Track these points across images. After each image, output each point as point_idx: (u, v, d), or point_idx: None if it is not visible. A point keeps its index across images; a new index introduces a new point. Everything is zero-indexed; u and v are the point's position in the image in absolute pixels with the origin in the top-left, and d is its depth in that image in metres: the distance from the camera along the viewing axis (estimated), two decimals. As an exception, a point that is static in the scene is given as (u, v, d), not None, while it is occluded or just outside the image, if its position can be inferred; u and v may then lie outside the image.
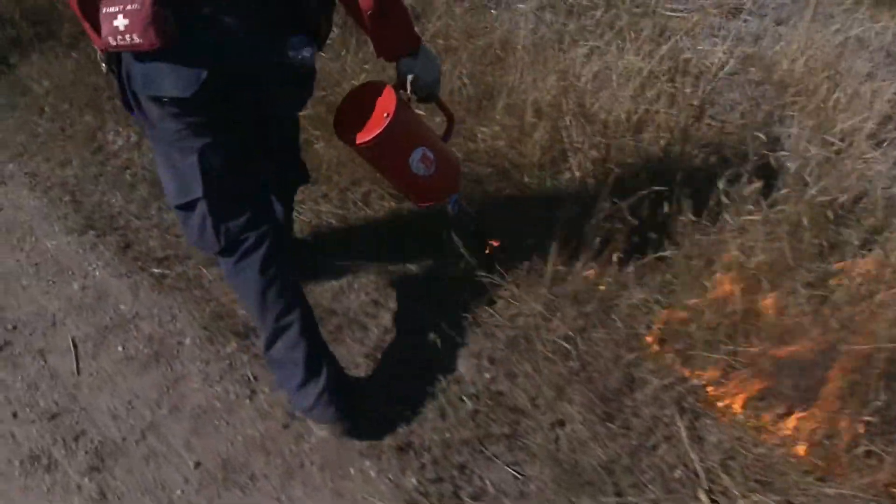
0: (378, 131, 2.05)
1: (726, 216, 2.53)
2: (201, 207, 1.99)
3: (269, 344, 2.16)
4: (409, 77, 2.10)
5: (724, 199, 2.53)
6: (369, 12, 1.87)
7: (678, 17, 4.88)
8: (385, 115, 2.06)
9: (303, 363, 2.13)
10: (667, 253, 2.58)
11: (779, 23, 4.94)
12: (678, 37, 4.52)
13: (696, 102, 3.47)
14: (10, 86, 4.25)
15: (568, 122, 3.19)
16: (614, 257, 2.55)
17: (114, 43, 1.68)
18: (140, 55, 1.74)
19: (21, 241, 3.08)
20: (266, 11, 1.80)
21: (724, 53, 4.22)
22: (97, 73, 4.01)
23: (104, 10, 1.67)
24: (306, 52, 1.88)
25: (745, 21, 4.92)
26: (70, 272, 2.89)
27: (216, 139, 1.93)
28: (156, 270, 2.83)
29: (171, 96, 1.79)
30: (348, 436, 2.22)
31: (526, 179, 3.09)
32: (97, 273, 2.86)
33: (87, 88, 3.99)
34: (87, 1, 1.72)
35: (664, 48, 3.90)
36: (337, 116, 2.17)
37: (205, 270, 2.80)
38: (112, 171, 3.45)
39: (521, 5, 4.92)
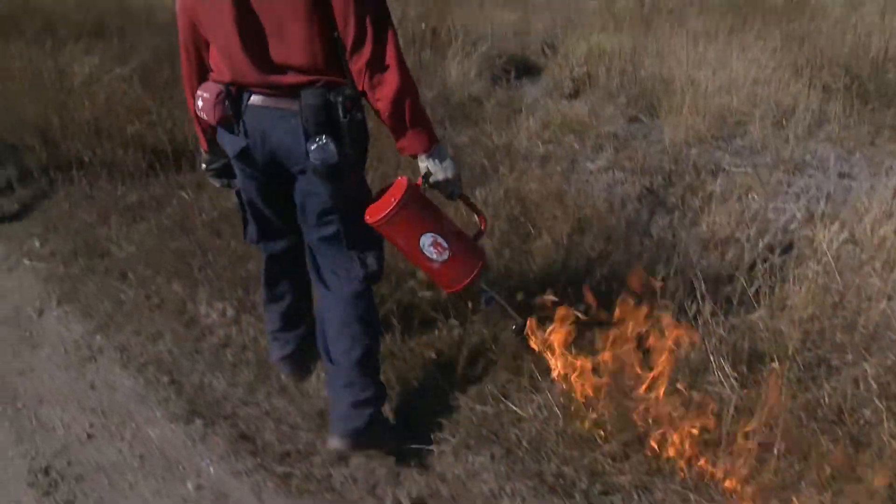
0: (383, 213, 2.35)
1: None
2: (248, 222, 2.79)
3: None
4: (423, 172, 2.41)
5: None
6: (387, 122, 2.32)
7: (743, 173, 4.93)
8: (393, 200, 2.34)
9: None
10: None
11: (843, 176, 4.98)
12: (750, 195, 4.58)
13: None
14: (89, 247, 4.21)
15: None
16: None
17: (197, 114, 2.49)
18: (214, 126, 2.51)
19: (121, 428, 2.91)
20: (300, 113, 2.30)
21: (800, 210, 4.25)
22: (182, 238, 4.01)
23: (196, 95, 2.47)
24: (326, 153, 2.28)
25: (811, 176, 4.97)
26: (180, 467, 2.70)
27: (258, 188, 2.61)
28: (278, 469, 2.64)
29: (229, 154, 2.56)
30: None
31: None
32: (211, 470, 2.67)
33: (173, 255, 3.95)
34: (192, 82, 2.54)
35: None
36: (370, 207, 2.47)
37: (333, 470, 2.63)
38: (209, 349, 3.33)
39: (588, 164, 4.99)
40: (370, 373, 2.64)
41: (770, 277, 3.31)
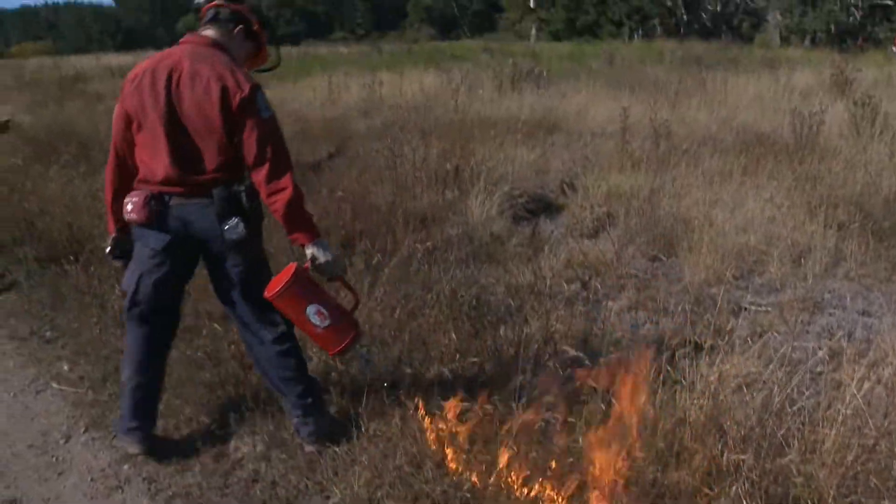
0: (276, 290, 3.03)
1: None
2: (132, 297, 3.23)
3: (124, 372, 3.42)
4: (308, 258, 3.10)
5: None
6: (280, 221, 3.06)
7: (764, 311, 5.01)
8: (284, 279, 3.02)
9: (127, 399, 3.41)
10: None
11: (863, 314, 5.04)
12: (771, 334, 4.64)
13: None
14: (118, 374, 4.19)
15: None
16: None
17: (126, 217, 3.09)
18: (139, 224, 3.08)
19: (149, 568, 2.92)
20: (215, 203, 3.01)
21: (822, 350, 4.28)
22: (213, 370, 4.06)
23: (125, 200, 3.07)
24: (236, 231, 3.03)
25: (832, 314, 5.03)
26: None
27: (169, 277, 3.19)
28: None
29: (151, 247, 3.11)
30: None
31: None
32: None
33: (200, 386, 3.97)
34: (117, 198, 3.17)
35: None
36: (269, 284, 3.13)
37: None
38: (239, 483, 3.32)
39: (611, 303, 5.07)
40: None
41: (799, 420, 3.32)
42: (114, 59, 38.08)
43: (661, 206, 6.60)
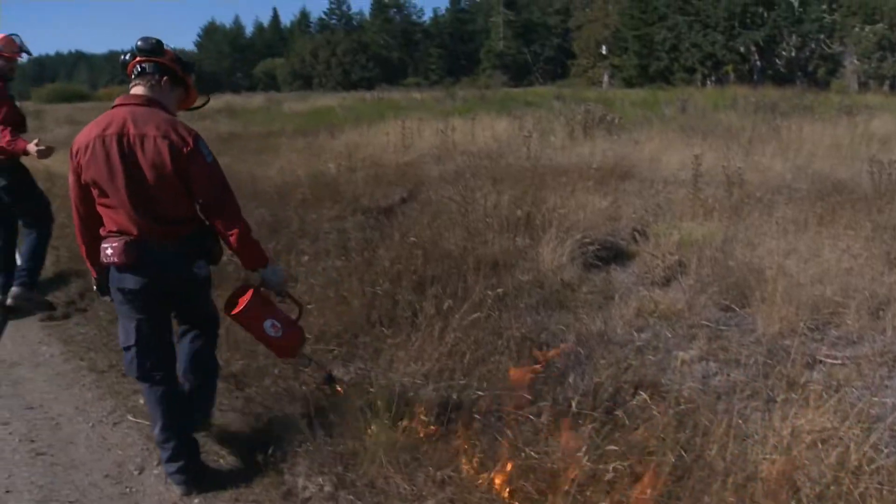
0: (238, 310, 3.64)
1: None
2: (132, 351, 3.58)
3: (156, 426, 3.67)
4: (261, 279, 3.67)
5: None
6: (235, 253, 3.60)
7: (839, 364, 4.91)
8: (244, 301, 3.63)
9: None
10: None
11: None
12: (847, 388, 4.54)
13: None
14: None
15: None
16: None
17: (105, 261, 3.40)
18: (117, 267, 3.40)
19: None
20: (184, 248, 3.46)
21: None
22: (286, 407, 4.15)
23: (103, 245, 3.40)
24: (204, 270, 3.56)
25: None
26: None
27: (148, 315, 3.54)
28: None
29: (128, 288, 3.43)
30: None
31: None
32: None
33: (275, 423, 4.08)
34: (91, 248, 3.55)
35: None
36: (227, 301, 3.75)
37: None
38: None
39: (681, 353, 5.04)
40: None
41: (878, 479, 3.25)
42: (195, 102, 39.45)
43: (733, 255, 6.54)
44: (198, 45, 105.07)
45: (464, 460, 3.58)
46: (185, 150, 3.28)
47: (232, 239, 3.44)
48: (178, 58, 3.58)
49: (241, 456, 3.90)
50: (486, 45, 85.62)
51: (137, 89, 3.47)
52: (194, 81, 3.68)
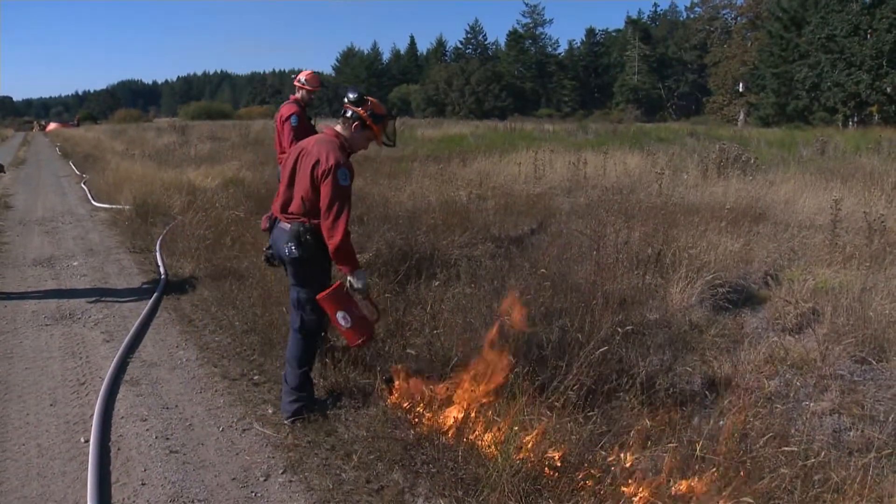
0: (321, 296, 4.45)
1: None
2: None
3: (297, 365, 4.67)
4: (348, 282, 4.54)
5: None
6: (331, 257, 4.50)
7: None
8: (328, 290, 4.46)
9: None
10: None
11: None
12: None
13: None
14: (317, 423, 4.55)
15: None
16: None
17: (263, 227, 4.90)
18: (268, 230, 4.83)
19: None
20: (287, 233, 4.51)
21: None
22: (408, 429, 4.28)
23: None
24: (292, 251, 4.46)
25: None
26: None
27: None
28: None
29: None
30: None
31: None
32: None
33: (397, 444, 4.16)
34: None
35: None
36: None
37: None
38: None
39: (811, 404, 4.93)
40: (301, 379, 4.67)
41: None
42: (330, 123, 40.67)
43: (872, 306, 6.32)
44: (335, 68, 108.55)
45: (584, 495, 3.62)
46: (321, 168, 4.40)
47: (330, 245, 4.40)
48: (372, 111, 4.61)
49: (363, 471, 4.02)
50: (619, 78, 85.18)
51: (337, 125, 4.72)
52: (383, 127, 4.71)
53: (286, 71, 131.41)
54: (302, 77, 7.57)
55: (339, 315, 4.47)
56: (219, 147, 27.00)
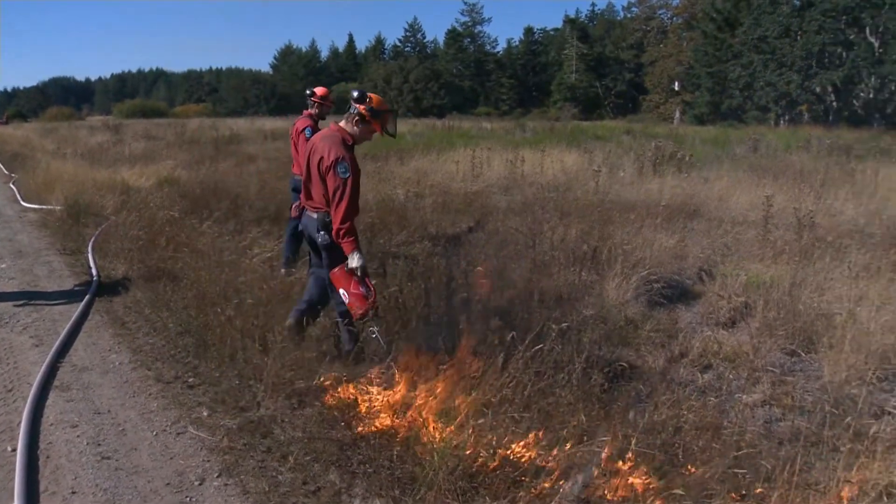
0: (329, 274, 5.09)
1: None
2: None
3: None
4: (347, 262, 4.99)
5: None
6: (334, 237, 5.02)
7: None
8: (335, 270, 5.04)
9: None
10: None
11: None
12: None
13: None
14: (253, 425, 4.47)
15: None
16: None
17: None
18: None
19: None
20: (316, 221, 5.11)
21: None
22: (345, 430, 4.23)
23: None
24: (324, 239, 5.03)
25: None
26: None
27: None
28: None
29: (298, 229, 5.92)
30: None
31: None
32: None
33: (333, 444, 4.13)
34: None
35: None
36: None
37: None
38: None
39: (744, 396, 5.01)
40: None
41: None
42: (268, 122, 40.31)
43: (802, 299, 6.45)
44: (273, 66, 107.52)
45: (521, 492, 3.61)
46: (325, 163, 4.96)
47: (334, 229, 4.96)
48: (372, 108, 5.12)
49: (300, 472, 3.96)
50: (557, 77, 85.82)
51: (341, 121, 5.24)
52: (383, 122, 5.21)
53: (223, 69, 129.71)
54: (318, 94, 8.41)
55: (342, 292, 5.01)
56: (154, 146, 26.54)
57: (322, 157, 4.98)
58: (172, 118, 61.32)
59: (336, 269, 5.02)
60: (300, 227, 5.50)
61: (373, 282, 5.23)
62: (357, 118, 5.13)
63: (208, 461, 4.14)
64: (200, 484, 3.91)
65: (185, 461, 4.14)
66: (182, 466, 4.09)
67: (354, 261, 4.96)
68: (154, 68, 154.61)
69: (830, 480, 3.73)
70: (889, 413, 4.82)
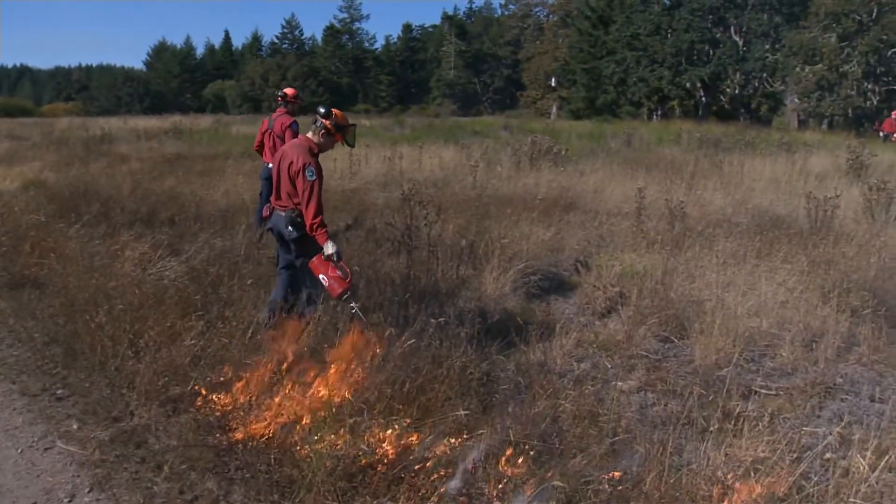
0: (311, 263, 5.45)
1: None
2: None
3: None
4: (323, 251, 5.39)
5: None
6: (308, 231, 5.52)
7: (774, 395, 5.00)
8: (314, 259, 5.43)
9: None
10: None
11: (875, 400, 5.01)
12: (780, 418, 4.63)
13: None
14: (125, 435, 4.29)
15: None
16: None
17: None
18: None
19: None
20: (284, 218, 5.64)
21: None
22: (222, 435, 4.09)
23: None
24: (290, 234, 5.59)
25: (843, 400, 5.01)
26: None
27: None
28: None
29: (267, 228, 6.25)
30: None
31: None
32: None
33: (210, 451, 4.01)
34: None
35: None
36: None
37: None
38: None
39: (620, 383, 5.09)
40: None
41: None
42: (141, 121, 38.97)
43: (673, 287, 6.63)
44: (147, 63, 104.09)
45: (401, 489, 3.57)
46: (294, 168, 5.50)
47: (307, 225, 5.43)
48: (336, 123, 5.70)
49: (176, 482, 3.82)
50: (436, 73, 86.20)
51: (309, 133, 5.76)
52: (344, 134, 5.80)
53: (93, 66, 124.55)
54: (289, 94, 9.71)
55: (321, 277, 5.40)
56: (18, 146, 25.14)
57: (292, 162, 5.54)
58: (39, 117, 58.46)
59: (314, 259, 5.45)
60: (269, 226, 5.95)
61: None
62: (323, 131, 5.73)
63: (78, 476, 3.95)
64: (70, 501, 3.74)
65: (53, 478, 3.94)
66: (50, 484, 3.89)
67: (329, 248, 5.39)
68: (18, 65, 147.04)
69: (702, 460, 3.81)
70: (755, 392, 5.00)
